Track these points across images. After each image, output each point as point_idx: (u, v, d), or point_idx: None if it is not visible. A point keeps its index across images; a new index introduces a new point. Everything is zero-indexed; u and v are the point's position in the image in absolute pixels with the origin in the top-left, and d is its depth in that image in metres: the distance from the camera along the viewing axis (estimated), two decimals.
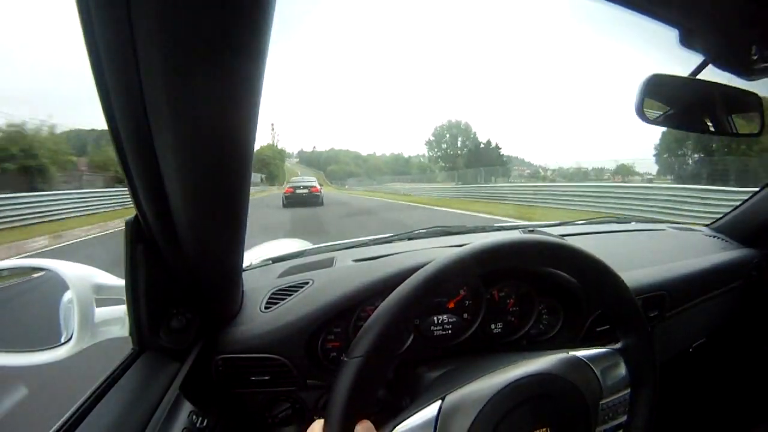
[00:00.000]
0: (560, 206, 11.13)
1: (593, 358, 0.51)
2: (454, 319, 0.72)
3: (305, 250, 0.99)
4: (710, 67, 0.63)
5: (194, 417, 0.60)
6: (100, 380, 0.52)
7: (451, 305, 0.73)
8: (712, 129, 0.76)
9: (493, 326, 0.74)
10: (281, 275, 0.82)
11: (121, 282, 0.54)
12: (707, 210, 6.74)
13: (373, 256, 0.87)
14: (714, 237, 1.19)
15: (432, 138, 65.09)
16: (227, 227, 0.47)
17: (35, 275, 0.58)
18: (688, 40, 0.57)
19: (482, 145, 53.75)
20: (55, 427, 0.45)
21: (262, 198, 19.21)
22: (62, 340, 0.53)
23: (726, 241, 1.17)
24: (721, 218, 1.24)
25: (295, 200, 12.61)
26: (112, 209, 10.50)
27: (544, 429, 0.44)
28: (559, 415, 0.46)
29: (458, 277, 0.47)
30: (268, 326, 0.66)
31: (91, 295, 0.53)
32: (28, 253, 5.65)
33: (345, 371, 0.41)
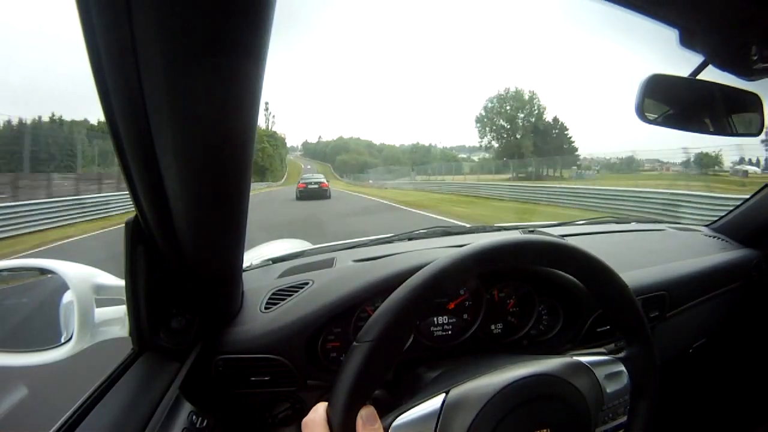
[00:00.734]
0: None
1: (596, 364, 0.51)
2: (454, 320, 0.72)
3: (305, 251, 0.99)
4: (710, 67, 0.63)
5: (194, 417, 0.60)
6: (100, 380, 0.52)
7: (451, 306, 0.73)
8: (711, 129, 0.76)
9: (493, 327, 0.74)
10: (281, 275, 0.82)
11: (121, 282, 0.54)
12: None
13: (373, 257, 0.87)
14: (714, 237, 1.19)
15: (483, 113, 44.71)
16: (227, 227, 0.47)
17: (35, 275, 0.59)
18: (688, 40, 0.57)
19: (544, 125, 40.55)
20: (55, 427, 0.45)
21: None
22: (62, 340, 0.53)
23: (726, 241, 1.17)
24: (721, 218, 1.24)
25: (307, 194, 15.54)
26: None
27: (545, 430, 0.44)
28: (560, 417, 0.46)
29: (459, 276, 0.47)
30: (268, 326, 0.66)
31: (91, 295, 0.53)
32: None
33: (354, 355, 0.41)
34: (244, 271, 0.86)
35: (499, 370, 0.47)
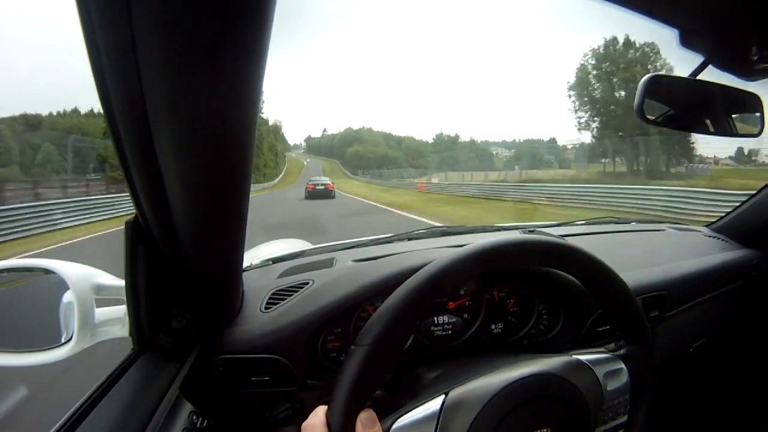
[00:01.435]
0: None
1: (596, 362, 0.51)
2: (455, 320, 0.72)
3: (305, 251, 0.99)
4: (710, 67, 0.63)
5: (194, 417, 0.60)
6: (100, 380, 0.52)
7: (452, 306, 0.73)
8: (712, 129, 0.76)
9: (493, 327, 0.74)
10: (281, 275, 0.82)
11: (121, 282, 0.54)
12: None
13: (373, 257, 0.87)
14: (714, 237, 1.19)
15: (579, 76, 29.14)
16: (227, 227, 0.47)
17: (35, 275, 0.58)
18: (688, 41, 0.57)
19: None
20: (55, 428, 0.45)
21: None
22: (62, 341, 0.53)
23: (726, 241, 1.17)
24: (721, 219, 1.24)
25: (314, 194, 18.29)
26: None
27: (546, 429, 0.44)
28: (561, 416, 0.46)
29: (459, 276, 0.47)
30: (269, 326, 0.66)
31: (92, 295, 0.53)
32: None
33: (352, 358, 0.41)
34: (244, 271, 0.86)
35: (498, 370, 0.47)
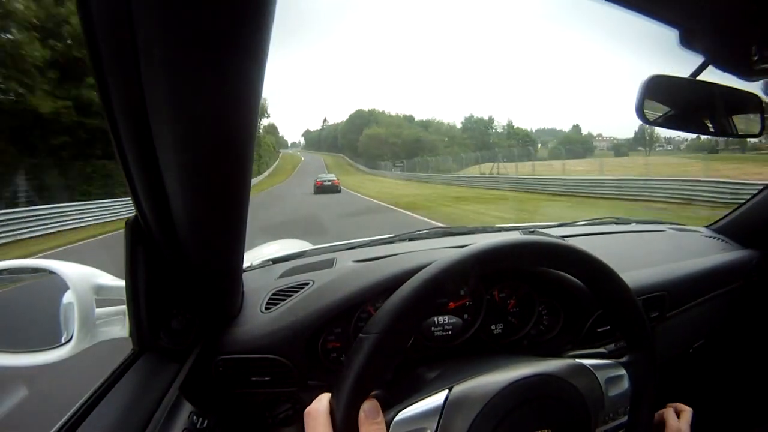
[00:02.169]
0: None
1: (598, 367, 0.51)
2: (455, 320, 0.72)
3: (306, 251, 0.99)
4: (710, 67, 0.63)
5: (194, 417, 0.60)
6: (101, 381, 0.52)
7: (452, 306, 0.73)
8: (712, 130, 0.76)
9: (493, 327, 0.74)
10: (281, 276, 0.82)
11: (121, 282, 0.54)
12: None
13: (373, 257, 0.87)
14: (714, 238, 1.19)
15: None
16: (227, 228, 0.47)
17: (36, 275, 0.58)
18: (688, 41, 0.57)
19: None
20: (55, 428, 0.45)
21: None
22: (62, 341, 0.53)
23: (726, 241, 1.17)
24: (721, 219, 1.24)
25: (322, 189, 19.98)
26: None
27: (546, 430, 0.45)
28: (561, 418, 0.46)
29: (460, 277, 0.47)
30: (269, 327, 0.66)
31: (92, 295, 0.53)
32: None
33: (360, 347, 0.41)
34: (244, 271, 0.86)
35: (501, 369, 0.47)
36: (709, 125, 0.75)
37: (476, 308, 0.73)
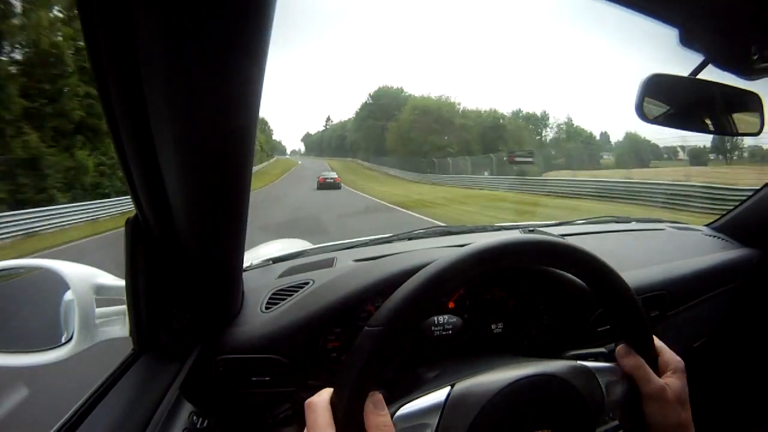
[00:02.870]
0: None
1: (600, 370, 0.51)
2: (455, 320, 0.72)
3: (305, 251, 0.99)
4: (710, 67, 0.63)
5: (195, 417, 0.60)
6: (101, 381, 0.52)
7: (452, 305, 0.73)
8: (712, 129, 0.76)
9: (493, 327, 0.74)
10: (281, 275, 0.82)
11: (121, 282, 0.54)
12: None
13: (373, 256, 0.87)
14: (714, 237, 1.19)
15: None
16: (227, 227, 0.47)
17: (36, 275, 0.59)
18: (688, 40, 0.57)
19: None
20: (55, 428, 0.45)
21: None
22: (63, 341, 0.53)
23: (726, 240, 1.17)
24: (721, 218, 1.24)
25: (324, 186, 20.93)
26: None
27: (547, 431, 0.45)
28: (562, 418, 0.46)
29: (459, 277, 0.47)
30: (269, 327, 0.66)
31: (92, 295, 0.54)
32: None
33: (363, 340, 0.41)
34: (244, 271, 0.86)
35: (502, 368, 0.47)
36: (709, 124, 0.75)
37: (476, 308, 0.73)
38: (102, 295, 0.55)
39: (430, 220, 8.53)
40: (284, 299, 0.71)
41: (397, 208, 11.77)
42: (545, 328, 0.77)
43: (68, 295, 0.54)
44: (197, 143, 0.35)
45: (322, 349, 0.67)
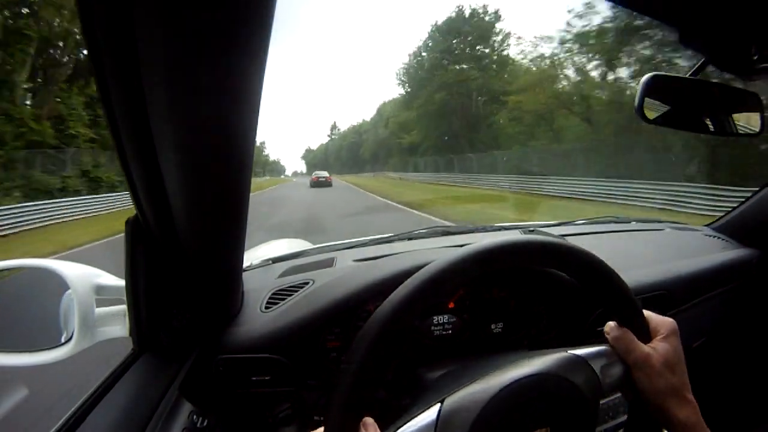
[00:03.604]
0: None
1: (592, 356, 0.50)
2: (454, 320, 0.72)
3: (305, 250, 0.99)
4: (710, 66, 0.63)
5: (194, 417, 0.60)
6: (101, 380, 0.52)
7: (451, 305, 0.73)
8: (711, 129, 0.76)
9: (493, 327, 0.74)
10: (281, 275, 0.82)
11: (121, 282, 0.54)
12: None
13: (373, 256, 0.87)
14: (714, 237, 1.19)
15: None
16: (227, 227, 0.47)
17: (36, 275, 0.59)
18: (687, 40, 0.57)
19: None
20: (55, 428, 0.45)
21: None
22: (63, 341, 0.53)
23: (726, 240, 1.17)
24: (721, 218, 1.24)
25: (317, 184, 24.26)
26: None
27: (545, 429, 0.44)
28: (560, 415, 0.46)
29: (458, 277, 0.46)
30: (269, 326, 0.66)
31: (92, 295, 0.53)
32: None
33: (342, 379, 0.41)
34: (244, 271, 0.86)
35: (493, 373, 0.47)
36: (709, 124, 0.76)
37: (476, 308, 0.73)
38: (102, 295, 0.55)
39: None
40: (284, 299, 0.71)
41: None
42: (545, 328, 0.77)
43: (68, 295, 0.54)
44: (197, 143, 0.35)
45: (321, 348, 0.67)
